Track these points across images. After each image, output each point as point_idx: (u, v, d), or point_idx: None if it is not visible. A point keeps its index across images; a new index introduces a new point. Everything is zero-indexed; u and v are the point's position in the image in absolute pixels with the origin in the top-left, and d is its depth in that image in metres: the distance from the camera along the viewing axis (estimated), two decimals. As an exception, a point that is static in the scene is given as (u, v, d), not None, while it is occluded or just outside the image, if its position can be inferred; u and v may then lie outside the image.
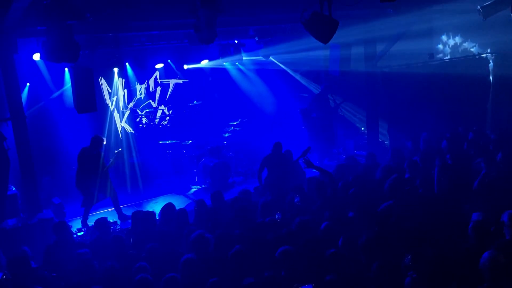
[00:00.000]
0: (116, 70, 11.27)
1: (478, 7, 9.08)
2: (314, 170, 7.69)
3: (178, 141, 12.11)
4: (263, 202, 6.92)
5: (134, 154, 11.70)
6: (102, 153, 8.90)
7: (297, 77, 13.95)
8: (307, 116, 12.50)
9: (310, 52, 12.74)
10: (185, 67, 12.59)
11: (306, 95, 13.76)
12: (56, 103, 10.86)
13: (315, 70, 13.77)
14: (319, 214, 6.38)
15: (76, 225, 8.97)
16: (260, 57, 12.24)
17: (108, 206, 9.95)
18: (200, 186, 11.33)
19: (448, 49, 13.09)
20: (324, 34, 6.24)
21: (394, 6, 10.36)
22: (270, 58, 12.51)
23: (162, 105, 12.88)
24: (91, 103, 7.77)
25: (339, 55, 11.32)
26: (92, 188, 8.72)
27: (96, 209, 9.93)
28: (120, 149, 9.45)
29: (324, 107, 12.40)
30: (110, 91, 11.87)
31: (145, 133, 12.36)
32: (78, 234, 8.46)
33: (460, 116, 10.76)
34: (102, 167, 8.79)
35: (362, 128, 13.17)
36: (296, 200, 6.76)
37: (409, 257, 4.55)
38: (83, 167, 8.71)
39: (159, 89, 12.77)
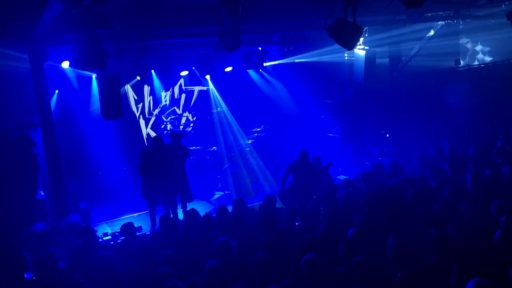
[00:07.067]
0: (140, 77, 11.41)
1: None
2: None
3: (202, 147, 12.19)
4: (289, 208, 6.90)
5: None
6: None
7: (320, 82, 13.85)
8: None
9: (334, 58, 12.70)
10: (207, 77, 12.73)
11: (330, 101, 13.67)
12: (83, 109, 11.08)
13: (339, 76, 13.69)
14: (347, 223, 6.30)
15: (102, 229, 9.11)
16: (283, 61, 12.22)
17: (134, 211, 10.07)
18: (224, 192, 11.35)
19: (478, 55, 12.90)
20: (348, 40, 6.23)
21: (420, 12, 10.26)
22: (295, 60, 12.48)
23: (187, 112, 13.00)
24: (118, 110, 7.90)
25: (363, 62, 11.23)
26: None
27: (122, 213, 10.08)
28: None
29: (350, 113, 12.28)
30: (136, 98, 12.05)
31: (170, 139, 12.44)
32: (104, 238, 8.58)
33: (489, 124, 10.55)
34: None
35: (388, 135, 12.98)
36: (321, 208, 6.71)
37: None
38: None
39: (183, 96, 12.90)
